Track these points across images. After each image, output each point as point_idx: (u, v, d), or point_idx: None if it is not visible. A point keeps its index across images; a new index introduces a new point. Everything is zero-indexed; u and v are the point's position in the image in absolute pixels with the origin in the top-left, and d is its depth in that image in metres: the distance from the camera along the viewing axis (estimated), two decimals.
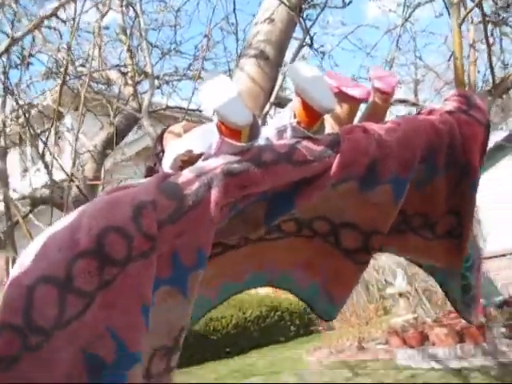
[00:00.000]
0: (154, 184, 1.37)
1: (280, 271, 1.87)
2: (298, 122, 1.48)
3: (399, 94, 5.23)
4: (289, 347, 12.16)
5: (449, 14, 5.09)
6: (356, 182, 1.56)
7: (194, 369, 11.00)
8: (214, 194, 1.35)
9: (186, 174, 1.40)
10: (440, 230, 1.80)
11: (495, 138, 11.68)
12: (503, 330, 8.73)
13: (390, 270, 11.99)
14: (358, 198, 1.60)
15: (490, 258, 12.21)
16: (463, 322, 9.07)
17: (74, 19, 3.19)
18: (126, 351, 1.21)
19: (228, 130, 1.39)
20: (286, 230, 1.73)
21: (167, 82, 5.49)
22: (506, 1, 3.34)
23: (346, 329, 11.00)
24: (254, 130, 1.42)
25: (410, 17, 4.72)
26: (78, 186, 3.07)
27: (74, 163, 3.11)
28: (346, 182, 1.55)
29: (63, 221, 1.33)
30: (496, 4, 3.39)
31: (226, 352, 11.72)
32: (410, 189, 1.64)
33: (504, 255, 12.43)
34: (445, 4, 4.87)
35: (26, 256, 1.25)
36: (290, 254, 1.82)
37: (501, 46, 4.60)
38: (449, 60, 6.20)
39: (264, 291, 14.00)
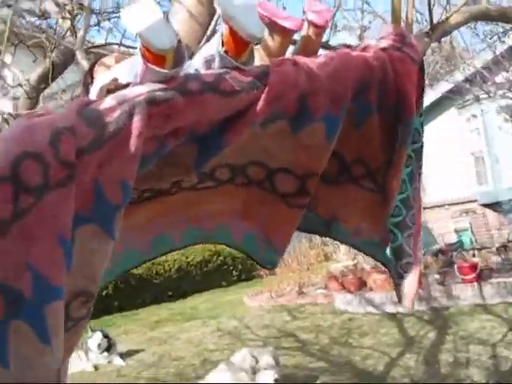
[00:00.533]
0: (74, 110, 1.31)
1: (216, 225, 1.83)
2: (226, 51, 1.44)
3: (345, 39, 5.19)
4: (230, 291, 12.38)
5: None
6: (287, 121, 1.54)
7: (136, 312, 11.09)
8: (136, 121, 1.30)
9: (108, 100, 1.35)
10: (381, 181, 1.77)
11: (440, 89, 11.89)
12: (437, 276, 9.10)
13: None
14: (290, 140, 1.58)
15: (429, 208, 12.62)
16: None
17: None
18: (44, 284, 1.16)
19: (152, 55, 1.33)
20: (220, 177, 1.69)
21: (108, 19, 5.28)
22: None
23: (287, 274, 11.25)
24: (179, 57, 1.38)
25: None
26: (6, 121, 2.94)
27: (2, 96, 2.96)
28: (276, 121, 1.53)
29: None
30: None
31: (168, 296, 11.83)
32: (345, 130, 1.62)
33: (442, 206, 12.84)
34: None
35: None
36: (225, 204, 1.78)
37: None
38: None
39: None
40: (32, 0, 4.16)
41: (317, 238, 12.53)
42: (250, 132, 1.52)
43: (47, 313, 1.17)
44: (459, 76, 11.33)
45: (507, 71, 10.40)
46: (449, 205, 12.70)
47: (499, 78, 10.56)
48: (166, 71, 1.35)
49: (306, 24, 1.70)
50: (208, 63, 1.50)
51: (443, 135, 11.87)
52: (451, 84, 11.60)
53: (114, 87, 1.61)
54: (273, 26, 1.63)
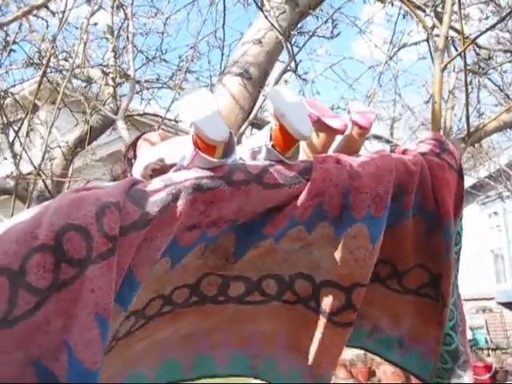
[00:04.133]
0: (122, 188, 1.35)
1: (264, 355, 1.73)
2: (273, 146, 1.48)
3: (375, 130, 5.31)
4: None
5: (432, 59, 5.22)
6: (330, 223, 1.54)
7: None
8: (180, 205, 1.34)
9: (155, 182, 1.39)
10: (409, 283, 1.76)
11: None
12: None
13: None
14: (334, 245, 1.56)
15: None
16: None
17: (63, 12, 3.16)
18: (81, 369, 1.14)
19: (203, 144, 1.38)
20: (267, 290, 1.65)
21: (148, 88, 5.47)
22: (487, 53, 3.42)
23: None
24: (228, 148, 1.42)
25: (394, 55, 4.80)
26: (43, 181, 3.01)
27: (43, 157, 3.05)
28: (320, 222, 1.53)
29: (26, 213, 1.29)
30: (478, 55, 3.48)
31: None
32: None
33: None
34: (429, 48, 4.99)
35: None
36: (271, 325, 1.70)
37: (478, 96, 4.72)
38: (427, 102, 6.34)
39: None
40: (79, 67, 4.32)
41: None
42: (295, 232, 1.53)
43: None
44: (483, 172, 11.37)
45: None
46: (465, 300, 12.47)
47: None
48: (215, 160, 1.39)
49: (350, 124, 1.75)
50: (254, 154, 1.54)
51: (463, 230, 11.81)
52: (475, 179, 11.63)
53: (159, 167, 1.66)
54: (319, 125, 1.68)
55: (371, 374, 9.22)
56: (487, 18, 4.66)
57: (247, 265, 1.57)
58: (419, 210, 1.67)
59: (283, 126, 1.43)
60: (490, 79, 4.48)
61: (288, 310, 1.68)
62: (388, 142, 4.58)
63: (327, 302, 1.63)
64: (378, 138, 4.87)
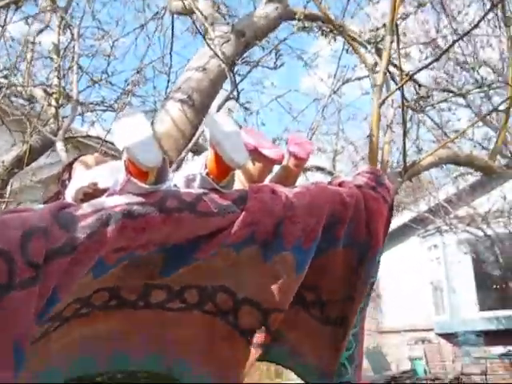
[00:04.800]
0: (50, 212, 1.31)
1: (176, 358, 1.72)
2: (208, 173, 1.47)
3: (318, 161, 5.38)
4: None
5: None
6: (259, 247, 1.54)
7: None
8: (109, 231, 1.31)
9: (85, 207, 1.35)
10: (330, 313, 1.77)
11: (403, 218, 12.17)
12: None
13: None
14: (260, 268, 1.57)
15: (385, 332, 12.53)
16: None
17: (2, 26, 3.08)
18: None
19: (135, 169, 1.36)
20: (188, 299, 1.64)
21: (92, 111, 5.39)
22: (426, 91, 3.54)
23: None
24: (161, 174, 1.40)
25: (338, 90, 4.90)
26: None
27: None
28: (250, 245, 1.53)
29: None
30: (417, 93, 3.59)
31: None
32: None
33: (398, 332, 12.76)
34: (371, 84, 5.12)
35: None
36: (190, 331, 1.70)
37: (417, 132, 4.87)
38: (367, 137, 6.48)
39: None
40: (21, 86, 4.23)
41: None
42: (223, 252, 1.53)
43: None
44: (423, 206, 11.66)
45: (468, 206, 10.76)
46: (405, 331, 12.62)
47: (461, 212, 10.91)
48: (146, 186, 1.37)
49: (287, 155, 1.75)
50: (188, 182, 1.53)
51: (404, 262, 12.05)
52: (415, 213, 11.90)
53: (91, 191, 1.62)
54: (256, 154, 1.68)
55: None
56: (426, 58, 4.85)
57: (172, 277, 1.56)
58: (351, 241, 1.68)
59: (218, 153, 1.42)
60: (428, 116, 4.64)
61: (207, 320, 1.68)
62: (330, 173, 4.64)
63: (245, 321, 1.65)
64: (320, 169, 4.94)
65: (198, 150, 2.97)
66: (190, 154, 2.86)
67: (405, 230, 12.11)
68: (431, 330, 12.35)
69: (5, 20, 3.04)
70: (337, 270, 1.71)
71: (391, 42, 2.17)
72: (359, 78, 5.14)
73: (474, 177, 9.81)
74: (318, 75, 5.75)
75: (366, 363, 11.96)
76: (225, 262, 1.55)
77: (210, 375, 1.72)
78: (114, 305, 1.57)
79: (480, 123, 5.66)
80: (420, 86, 3.58)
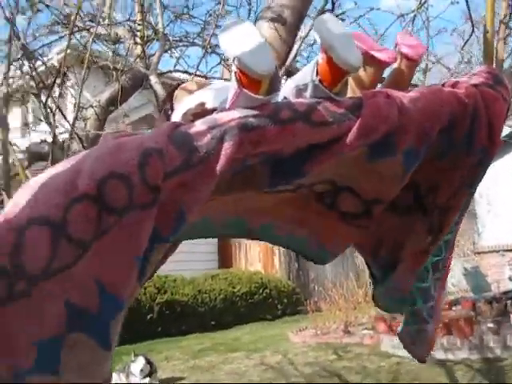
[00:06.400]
0: (165, 132, 1.29)
1: (259, 223, 1.73)
2: (321, 81, 1.40)
3: None
4: (274, 326, 12.20)
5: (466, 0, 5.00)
6: (367, 147, 1.47)
7: (179, 339, 11.04)
8: (226, 147, 1.28)
9: (199, 125, 1.32)
10: (433, 219, 1.72)
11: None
12: (491, 325, 8.75)
13: None
14: (364, 165, 1.52)
15: (484, 252, 12.22)
16: (452, 313, 9.10)
17: None
18: (113, 301, 1.15)
19: (248, 79, 1.30)
20: (281, 188, 1.59)
21: (176, 47, 5.38)
22: None
23: (334, 312, 11.03)
24: (274, 83, 1.35)
25: (425, 2, 4.61)
26: (79, 137, 2.97)
27: (76, 116, 3.01)
28: (359, 149, 1.47)
29: (66, 162, 1.25)
30: None
31: (211, 325, 11.75)
32: (428, 162, 1.57)
33: (498, 251, 12.44)
34: None
35: (22, 195, 1.16)
36: (276, 208, 1.68)
37: None
38: (462, 48, 6.11)
39: (254, 268, 14.04)
40: (105, 26, 4.26)
41: (365, 277, 12.29)
42: (333, 160, 1.47)
43: (112, 325, 1.16)
44: None
45: None
46: (505, 251, 12.28)
47: None
48: (260, 97, 1.32)
49: (398, 57, 1.65)
50: (299, 92, 1.46)
51: (505, 178, 11.47)
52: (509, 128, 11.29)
53: (200, 111, 1.60)
54: (367, 58, 1.59)
55: None
56: None
57: None
58: (471, 145, 1.59)
59: (331, 57, 1.34)
60: None
61: (299, 197, 1.64)
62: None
63: (344, 204, 1.62)
64: (413, 86, 4.73)
65: (290, 73, 2.88)
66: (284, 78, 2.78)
67: (504, 146, 11.54)
68: None
69: None
70: (455, 171, 1.64)
71: None
72: None
73: None
74: None
75: (464, 284, 11.82)
76: (330, 165, 1.49)
77: (305, 239, 1.72)
78: None
79: None
80: None
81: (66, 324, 1.11)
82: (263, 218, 1.72)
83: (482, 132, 1.60)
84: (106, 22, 4.49)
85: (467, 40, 5.93)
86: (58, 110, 2.97)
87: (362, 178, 1.57)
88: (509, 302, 10.01)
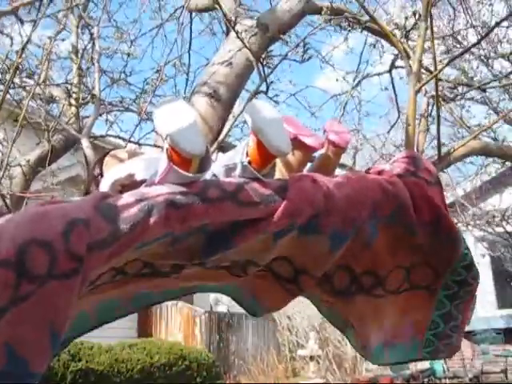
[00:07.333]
0: (91, 202, 1.29)
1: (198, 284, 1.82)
2: (249, 162, 1.44)
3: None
4: None
5: (394, 90, 5.31)
6: (296, 230, 1.53)
7: None
8: (152, 222, 1.28)
9: (127, 197, 1.33)
10: (391, 286, 1.80)
11: None
12: None
13: (303, 331, 11.95)
14: (294, 241, 1.57)
15: None
16: None
17: (34, 20, 3.07)
18: (22, 367, 1.11)
19: (178, 157, 1.33)
20: (218, 264, 1.64)
21: (110, 111, 5.38)
22: (453, 84, 3.50)
23: None
24: (204, 162, 1.38)
25: (358, 85, 4.87)
26: (3, 198, 2.88)
27: (2, 175, 2.93)
28: (290, 232, 1.52)
29: None
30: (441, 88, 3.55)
31: None
32: (358, 249, 1.64)
33: None
34: (391, 80, 5.09)
35: None
36: (216, 279, 1.75)
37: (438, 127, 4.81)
38: (388, 132, 6.44)
39: (174, 338, 13.67)
40: (42, 84, 4.23)
41: (286, 352, 12.20)
42: (260, 239, 1.51)
43: None
44: None
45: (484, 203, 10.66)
46: None
47: (478, 210, 10.80)
48: (190, 175, 1.35)
49: (326, 143, 1.72)
50: (229, 171, 1.50)
51: None
52: None
53: (128, 183, 1.60)
54: (296, 142, 1.65)
55: None
56: (448, 51, 4.80)
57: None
58: (395, 223, 1.66)
59: (261, 141, 1.39)
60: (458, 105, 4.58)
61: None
62: (351, 169, 4.62)
63: (278, 267, 1.70)
64: (341, 166, 4.93)
65: (222, 148, 2.94)
66: (215, 152, 2.83)
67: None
68: None
69: (37, 12, 3.01)
70: (384, 248, 1.72)
71: (426, 29, 2.14)
72: (378, 74, 5.11)
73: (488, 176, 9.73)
74: (334, 73, 5.71)
75: None
76: (261, 246, 1.54)
77: (243, 290, 1.82)
78: (146, 272, 1.58)
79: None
80: (446, 81, 3.54)
81: None
82: (203, 281, 1.77)
83: (407, 213, 1.67)
84: (43, 81, 4.47)
85: (393, 125, 6.27)
86: None
87: (292, 251, 1.62)
88: (425, 380, 10.15)
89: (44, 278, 1.14)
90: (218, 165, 1.56)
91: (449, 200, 11.15)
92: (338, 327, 2.00)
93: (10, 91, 4.05)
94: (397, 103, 5.72)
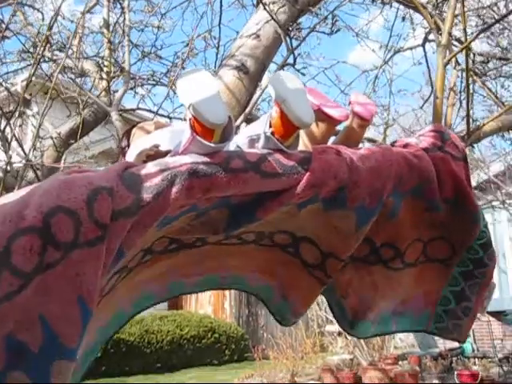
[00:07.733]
0: (116, 172, 1.30)
1: (232, 276, 1.84)
2: (273, 133, 1.44)
3: (369, 134, 5.30)
4: (221, 371, 11.99)
5: (427, 63, 5.21)
6: (321, 202, 1.53)
7: (121, 380, 10.72)
8: (175, 191, 1.29)
9: (150, 166, 1.34)
10: (409, 259, 1.81)
11: None
12: (436, 382, 8.80)
13: None
14: (321, 217, 1.57)
15: None
16: (398, 368, 9.11)
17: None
18: (55, 341, 1.12)
19: (201, 127, 1.34)
20: (245, 238, 1.68)
21: (142, 85, 5.41)
22: (485, 58, 3.42)
23: (281, 360, 10.91)
24: (227, 132, 1.38)
25: (389, 60, 4.78)
26: (34, 169, 2.94)
27: (33, 146, 2.98)
28: (313, 203, 1.52)
29: (15, 194, 1.25)
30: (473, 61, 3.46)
31: (156, 367, 11.48)
32: (381, 221, 1.63)
33: None
34: (424, 54, 4.99)
35: None
36: (245, 261, 1.78)
37: (471, 102, 4.71)
38: (421, 107, 6.33)
39: (204, 311, 13.86)
40: (73, 58, 4.27)
41: (314, 327, 12.26)
42: (284, 210, 1.51)
43: (53, 370, 1.11)
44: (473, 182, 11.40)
45: None
46: None
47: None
48: (212, 145, 1.35)
49: (351, 115, 1.71)
50: (252, 142, 1.50)
51: None
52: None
53: (153, 153, 1.62)
54: (320, 114, 1.64)
55: (357, 379, 9.19)
56: (484, 23, 4.67)
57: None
58: (418, 196, 1.66)
59: (284, 112, 1.39)
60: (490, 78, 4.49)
61: (264, 251, 1.74)
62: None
63: (307, 254, 1.71)
64: (371, 141, 4.88)
65: (251, 120, 2.93)
66: (243, 124, 2.83)
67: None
68: None
69: None
70: (406, 221, 1.72)
71: (456, 0, 2.10)
72: (411, 48, 5.02)
73: None
74: (366, 49, 5.63)
75: (412, 339, 11.89)
76: (286, 215, 1.54)
77: (271, 289, 1.83)
78: (173, 248, 1.61)
79: None
80: (478, 54, 3.46)
81: (5, 361, 1.08)
82: (234, 271, 1.80)
83: (434, 190, 1.66)
84: (74, 54, 4.51)
85: (426, 100, 6.16)
86: (14, 139, 2.94)
87: (319, 230, 1.63)
88: (454, 358, 10.10)
89: (70, 245, 1.15)
90: (242, 136, 1.56)
91: (482, 178, 10.99)
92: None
93: (43, 65, 4.11)
94: (430, 78, 5.62)
